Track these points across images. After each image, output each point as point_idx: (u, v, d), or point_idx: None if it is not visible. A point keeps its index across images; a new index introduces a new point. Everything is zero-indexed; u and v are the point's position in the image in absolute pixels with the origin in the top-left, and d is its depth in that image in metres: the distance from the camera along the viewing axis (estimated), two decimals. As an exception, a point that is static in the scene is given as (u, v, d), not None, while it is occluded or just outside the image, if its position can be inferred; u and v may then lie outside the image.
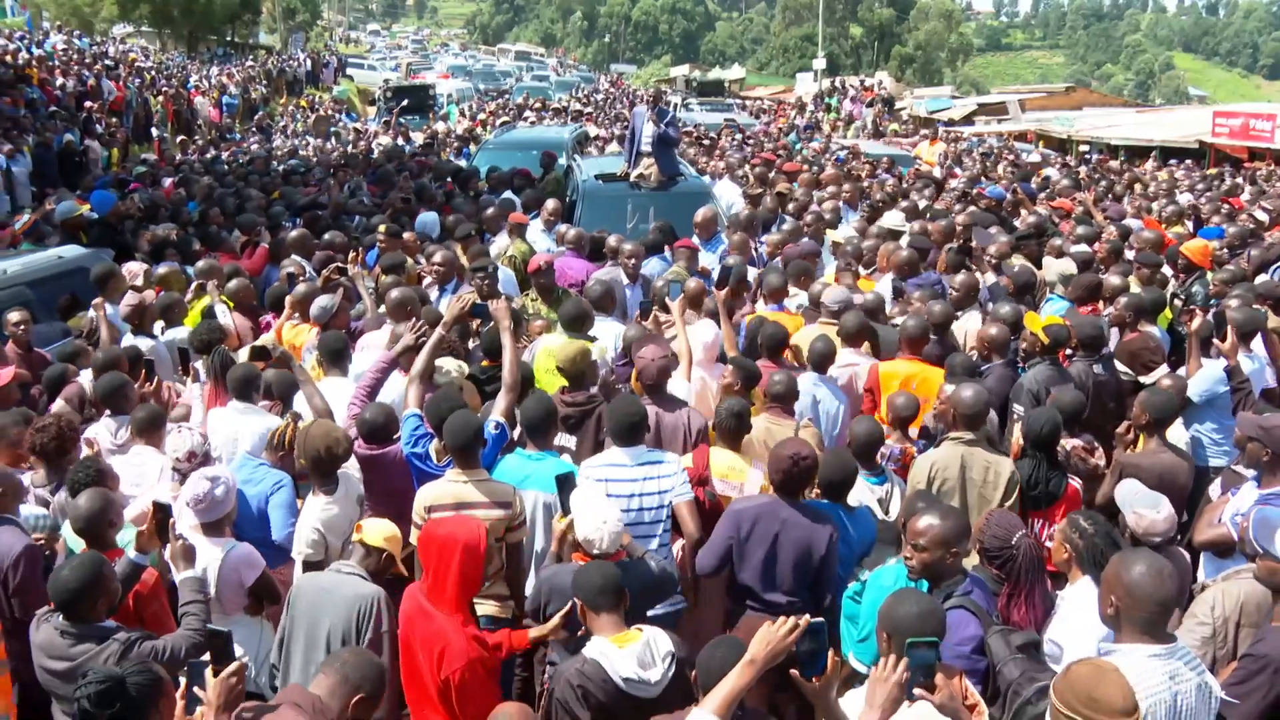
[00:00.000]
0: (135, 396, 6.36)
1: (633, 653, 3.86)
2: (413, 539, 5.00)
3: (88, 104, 24.21)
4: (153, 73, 33.60)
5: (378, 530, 4.60)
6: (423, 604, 4.25)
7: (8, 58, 25.59)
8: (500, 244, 10.47)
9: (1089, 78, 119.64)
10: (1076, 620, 4.20)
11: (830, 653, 3.37)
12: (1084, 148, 26.80)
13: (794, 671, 3.40)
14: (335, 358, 6.80)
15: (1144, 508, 4.78)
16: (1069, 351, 7.19)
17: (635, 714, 3.80)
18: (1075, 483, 5.69)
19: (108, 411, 6.26)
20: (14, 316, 7.62)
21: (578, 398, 6.16)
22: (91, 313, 8.11)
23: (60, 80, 25.80)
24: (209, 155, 21.74)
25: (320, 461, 5.29)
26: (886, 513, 5.54)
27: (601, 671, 3.84)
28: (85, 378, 6.88)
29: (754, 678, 3.28)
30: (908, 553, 4.32)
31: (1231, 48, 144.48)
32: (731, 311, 7.59)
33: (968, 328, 7.83)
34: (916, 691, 3.47)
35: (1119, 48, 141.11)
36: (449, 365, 6.52)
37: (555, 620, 4.38)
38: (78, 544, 4.82)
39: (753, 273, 8.73)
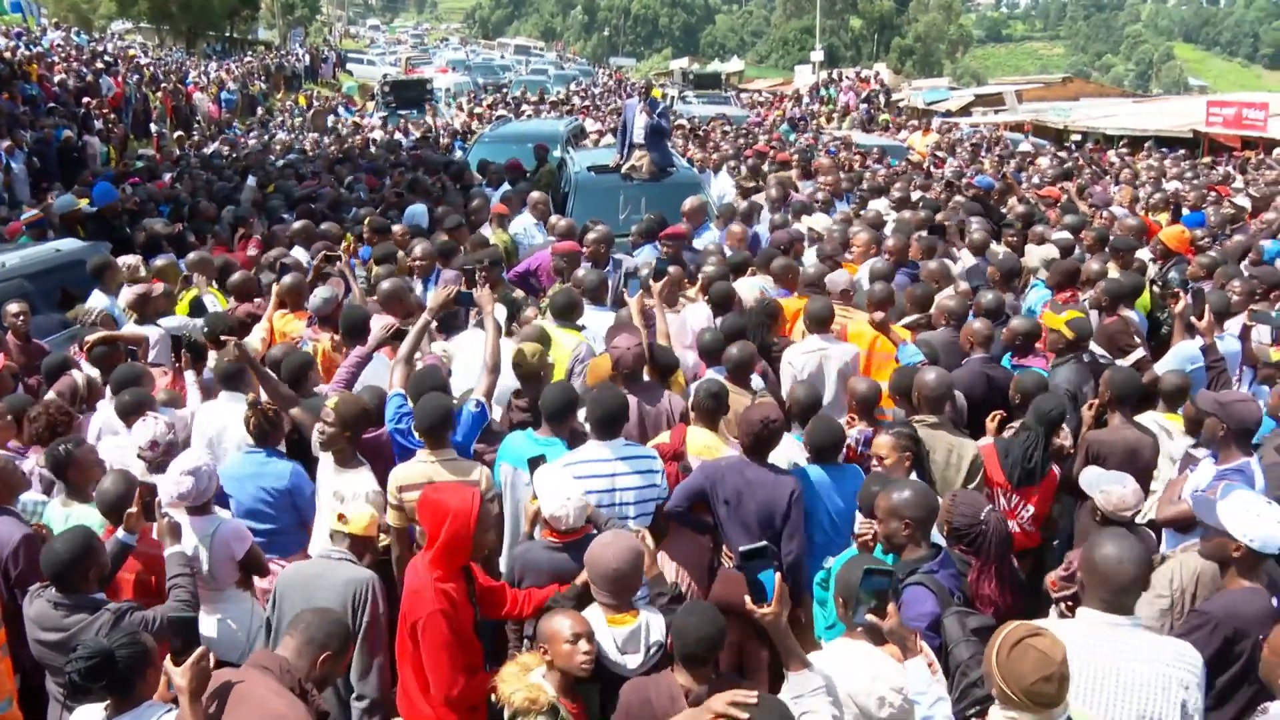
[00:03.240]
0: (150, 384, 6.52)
1: (619, 635, 4.03)
2: (390, 519, 5.25)
3: (86, 100, 24.33)
4: (151, 69, 33.70)
5: (361, 518, 4.71)
6: (418, 561, 4.41)
7: (6, 54, 25.67)
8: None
9: (1090, 68, 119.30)
10: None
11: (778, 577, 3.52)
12: (1077, 137, 26.86)
13: (747, 598, 3.56)
14: (356, 333, 6.93)
15: (1110, 485, 4.95)
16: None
17: (611, 679, 3.99)
18: (1056, 470, 5.89)
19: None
20: (13, 308, 7.76)
21: (522, 402, 6.21)
22: (89, 304, 8.25)
23: (59, 76, 25.93)
24: (207, 150, 21.88)
25: (358, 425, 5.49)
26: None
27: None
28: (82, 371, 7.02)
29: None
30: (866, 525, 4.48)
31: (1232, 38, 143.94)
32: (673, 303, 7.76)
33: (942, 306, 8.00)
34: (868, 617, 3.63)
35: (1119, 38, 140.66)
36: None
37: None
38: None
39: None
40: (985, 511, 4.51)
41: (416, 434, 5.64)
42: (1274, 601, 4.19)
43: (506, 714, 3.84)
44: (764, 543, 3.61)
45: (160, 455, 5.52)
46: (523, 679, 3.83)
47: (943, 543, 4.65)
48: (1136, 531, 5.01)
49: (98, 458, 5.54)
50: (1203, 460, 5.56)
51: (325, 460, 5.60)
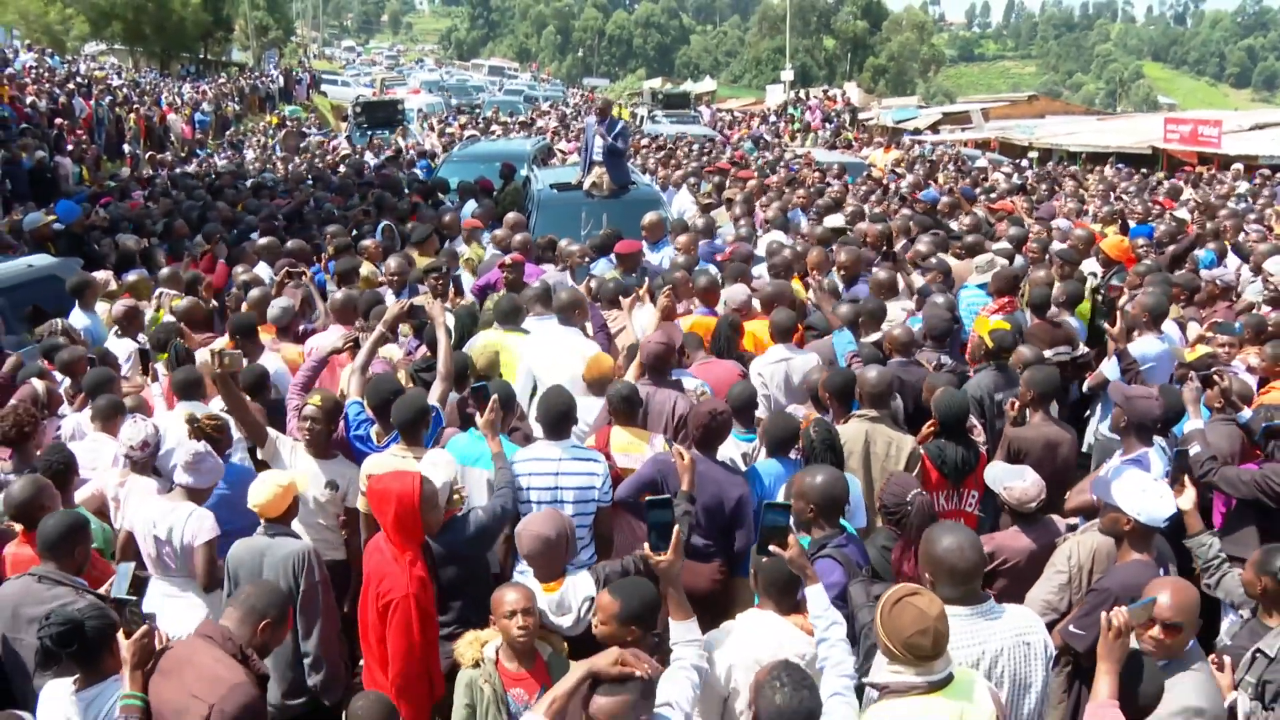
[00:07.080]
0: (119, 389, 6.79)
1: (551, 601, 4.48)
2: (359, 505, 5.61)
3: (59, 121, 24.50)
4: (125, 90, 33.89)
5: (262, 497, 5.01)
6: (380, 541, 4.74)
7: (-23, 77, 25.82)
8: (459, 248, 11.03)
9: (1061, 87, 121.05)
10: None
11: (676, 530, 3.85)
12: (1034, 154, 27.43)
13: (646, 546, 3.90)
14: (247, 334, 7.27)
15: (1012, 481, 5.29)
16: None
17: (580, 641, 4.41)
18: (983, 450, 6.20)
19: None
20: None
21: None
22: (70, 321, 8.45)
23: (30, 98, 26.08)
24: (179, 170, 22.09)
25: (337, 414, 5.85)
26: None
27: None
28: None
29: (583, 680, 3.54)
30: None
31: (1199, 57, 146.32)
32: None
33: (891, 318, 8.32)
34: (772, 548, 3.95)
35: (1090, 57, 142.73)
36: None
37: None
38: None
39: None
40: (912, 494, 4.84)
41: (377, 438, 5.96)
42: (1161, 571, 4.55)
43: None
44: (667, 496, 4.01)
45: (148, 456, 5.80)
46: (475, 641, 4.29)
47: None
48: (1041, 521, 5.35)
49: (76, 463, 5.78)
50: (1115, 454, 5.95)
51: (299, 456, 5.85)
